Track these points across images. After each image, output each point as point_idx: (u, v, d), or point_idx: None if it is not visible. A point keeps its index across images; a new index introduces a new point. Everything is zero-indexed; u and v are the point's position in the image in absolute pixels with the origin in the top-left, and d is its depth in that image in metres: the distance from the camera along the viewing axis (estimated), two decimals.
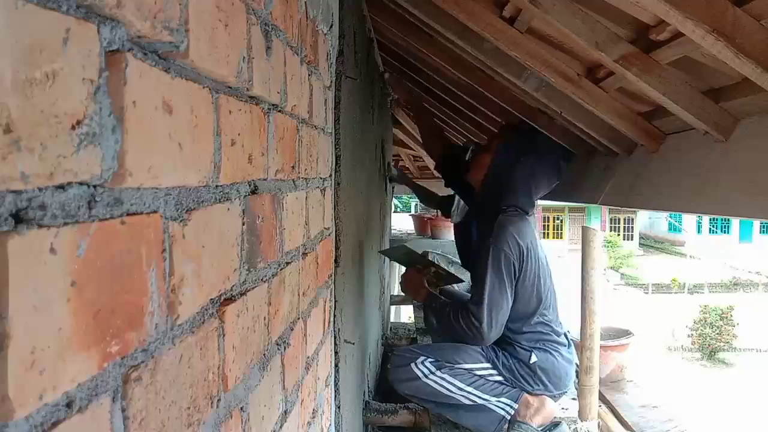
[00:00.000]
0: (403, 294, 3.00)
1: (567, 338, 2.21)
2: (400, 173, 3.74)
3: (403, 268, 2.54)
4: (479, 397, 2.06)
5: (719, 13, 1.11)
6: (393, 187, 3.90)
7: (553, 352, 2.11)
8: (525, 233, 2.10)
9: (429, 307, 2.20)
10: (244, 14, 0.67)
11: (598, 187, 2.58)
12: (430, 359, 2.09)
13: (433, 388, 2.07)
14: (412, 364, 2.10)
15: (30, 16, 0.32)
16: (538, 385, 2.08)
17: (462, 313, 2.06)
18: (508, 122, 2.72)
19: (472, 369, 2.08)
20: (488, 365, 2.09)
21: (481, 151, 2.44)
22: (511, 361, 2.09)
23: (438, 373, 2.07)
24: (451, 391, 2.06)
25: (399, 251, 2.58)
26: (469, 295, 2.17)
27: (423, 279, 2.34)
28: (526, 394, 2.06)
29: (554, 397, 2.14)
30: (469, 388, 2.06)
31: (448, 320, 2.09)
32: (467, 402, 2.06)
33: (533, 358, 2.08)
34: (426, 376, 2.07)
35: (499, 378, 2.08)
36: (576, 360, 2.29)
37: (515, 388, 2.08)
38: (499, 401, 2.06)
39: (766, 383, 14.97)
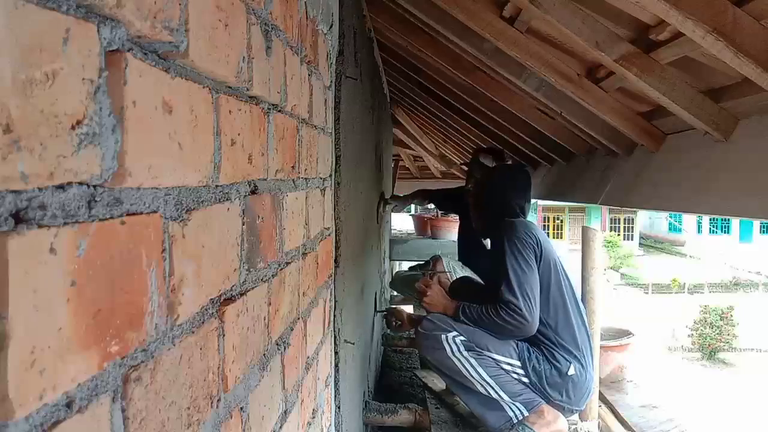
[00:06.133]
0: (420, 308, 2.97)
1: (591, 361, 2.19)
2: (396, 200, 3.67)
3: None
4: (495, 392, 2.03)
5: (719, 13, 1.11)
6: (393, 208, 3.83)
7: (585, 366, 2.09)
8: (535, 228, 2.15)
9: (464, 315, 2.15)
10: (244, 14, 0.67)
11: (598, 187, 2.58)
12: (462, 337, 2.07)
13: (455, 365, 2.06)
14: (443, 336, 2.08)
15: (30, 16, 0.32)
16: (563, 396, 2.05)
17: (500, 307, 2.01)
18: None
19: (499, 361, 2.06)
20: (518, 363, 2.06)
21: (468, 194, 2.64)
22: (543, 366, 2.05)
23: (465, 353, 2.06)
24: (471, 375, 2.05)
25: (399, 283, 2.63)
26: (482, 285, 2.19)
27: (443, 291, 2.30)
28: (544, 405, 2.03)
29: (571, 411, 2.12)
30: (489, 379, 2.04)
31: (490, 321, 2.06)
32: (483, 392, 2.04)
33: (572, 371, 2.05)
34: (453, 353, 2.06)
35: (525, 380, 2.05)
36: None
37: (535, 393, 2.06)
38: (513, 403, 2.03)
39: (766, 383, 14.97)
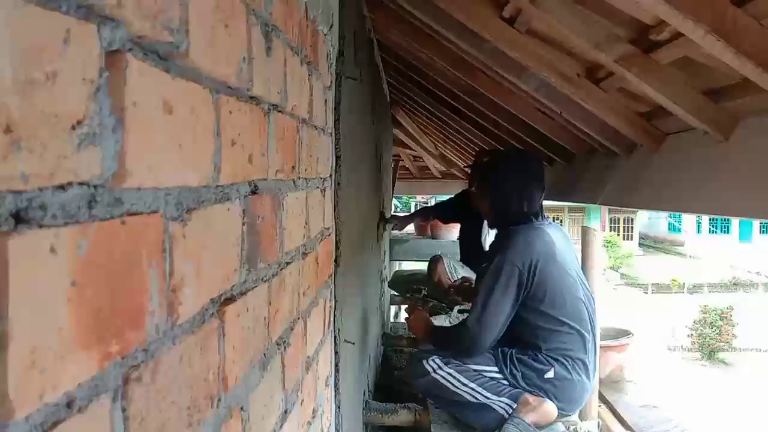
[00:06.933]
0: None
1: (593, 366, 2.17)
2: (396, 219, 3.72)
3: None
4: (482, 395, 2.09)
5: (719, 13, 1.11)
6: (391, 228, 3.88)
7: (572, 372, 2.09)
8: (538, 243, 2.09)
9: (435, 337, 2.31)
10: (245, 15, 0.67)
11: (598, 187, 2.59)
12: (440, 357, 2.17)
13: (441, 383, 2.14)
14: (424, 361, 2.18)
15: (30, 16, 0.32)
16: (544, 398, 2.09)
17: (457, 324, 2.16)
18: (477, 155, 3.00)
19: (479, 370, 2.14)
20: (495, 368, 2.13)
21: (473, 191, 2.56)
22: (520, 369, 2.09)
23: (445, 368, 2.14)
24: (456, 387, 2.12)
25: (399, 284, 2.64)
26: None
27: (429, 319, 2.43)
28: (526, 394, 2.06)
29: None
30: (472, 384, 2.11)
31: (447, 339, 2.20)
32: (471, 399, 2.11)
33: (550, 374, 2.07)
34: (434, 371, 2.15)
35: (505, 382, 2.12)
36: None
37: (517, 388, 2.09)
38: (500, 400, 2.08)
39: (766, 383, 14.97)
